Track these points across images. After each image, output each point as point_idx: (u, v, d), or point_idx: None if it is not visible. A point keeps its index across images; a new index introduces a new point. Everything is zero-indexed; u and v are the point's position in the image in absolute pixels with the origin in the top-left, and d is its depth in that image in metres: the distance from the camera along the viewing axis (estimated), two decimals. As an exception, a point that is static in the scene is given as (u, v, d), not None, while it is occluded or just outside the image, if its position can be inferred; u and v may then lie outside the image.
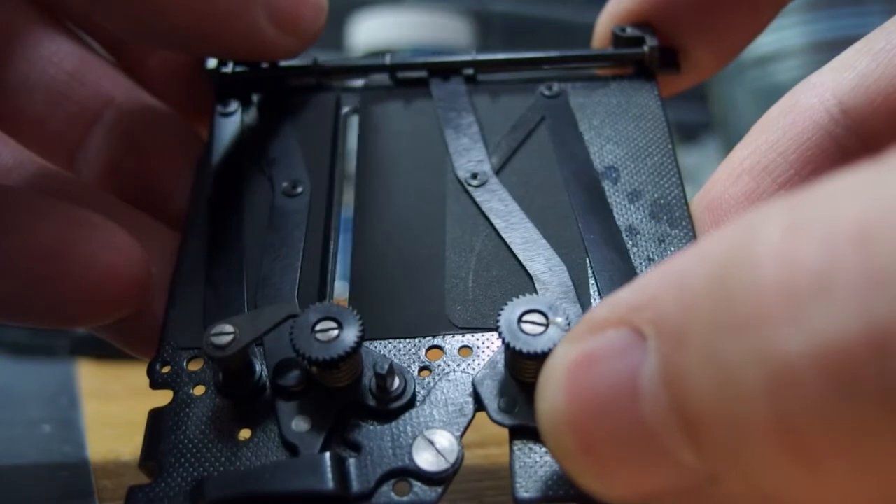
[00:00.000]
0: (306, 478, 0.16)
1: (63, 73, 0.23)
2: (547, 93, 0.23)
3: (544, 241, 0.20)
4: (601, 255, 0.20)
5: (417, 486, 0.16)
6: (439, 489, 0.16)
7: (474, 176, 0.21)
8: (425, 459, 0.16)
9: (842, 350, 0.10)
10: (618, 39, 0.24)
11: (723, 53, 0.24)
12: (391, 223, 0.21)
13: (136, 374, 0.18)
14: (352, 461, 0.16)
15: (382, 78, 0.24)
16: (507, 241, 0.20)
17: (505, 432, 0.17)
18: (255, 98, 0.24)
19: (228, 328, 0.17)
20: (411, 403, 0.17)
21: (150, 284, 0.19)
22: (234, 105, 0.23)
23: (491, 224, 0.20)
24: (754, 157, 0.21)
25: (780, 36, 0.44)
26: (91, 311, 0.19)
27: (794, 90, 0.21)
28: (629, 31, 0.24)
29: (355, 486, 0.16)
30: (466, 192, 0.21)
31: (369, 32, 0.60)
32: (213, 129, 0.23)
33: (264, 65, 0.24)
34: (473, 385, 0.17)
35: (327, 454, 0.16)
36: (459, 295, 0.19)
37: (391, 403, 0.17)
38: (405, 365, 0.18)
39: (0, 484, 0.23)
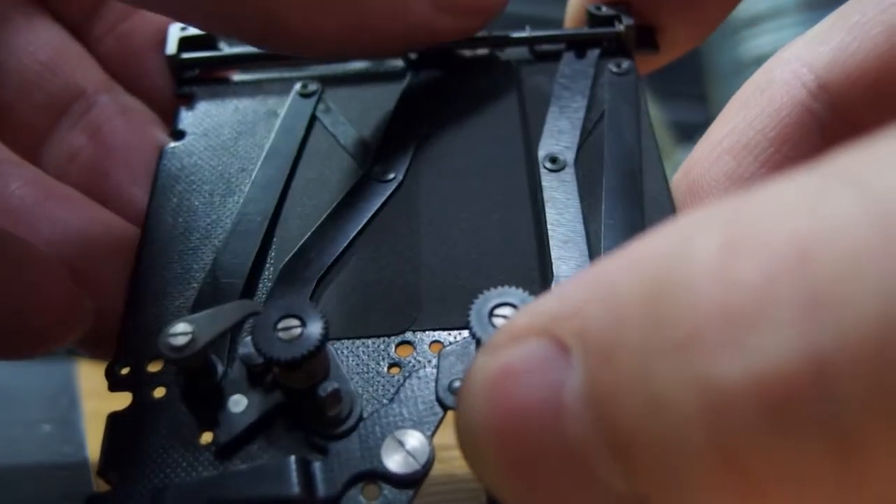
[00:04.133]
0: (271, 484, 0.15)
1: (36, 63, 0.23)
2: (616, 70, 0.23)
3: (585, 247, 0.19)
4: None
5: (387, 490, 0.15)
6: (409, 492, 0.15)
7: (553, 160, 0.21)
8: (395, 461, 0.16)
9: (780, 379, 0.09)
10: (593, 18, 0.23)
11: (700, 28, 0.24)
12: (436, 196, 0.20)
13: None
14: (318, 465, 0.16)
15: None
16: (550, 233, 0.19)
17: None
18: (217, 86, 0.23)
19: (186, 328, 0.16)
20: (348, 433, 0.16)
21: (82, 318, 0.18)
22: (313, 87, 0.23)
23: (543, 212, 0.20)
24: (733, 136, 0.20)
25: (779, 36, 0.44)
26: (13, 347, 0.18)
27: (767, 65, 0.21)
28: (604, 9, 0.23)
29: (321, 490, 0.15)
30: (535, 172, 0.20)
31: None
32: (175, 118, 0.23)
33: (226, 50, 0.24)
34: (438, 357, 0.17)
35: (292, 458, 0.15)
36: (436, 291, 0.19)
37: (330, 429, 0.16)
38: (372, 363, 0.17)
39: (0, 484, 0.23)
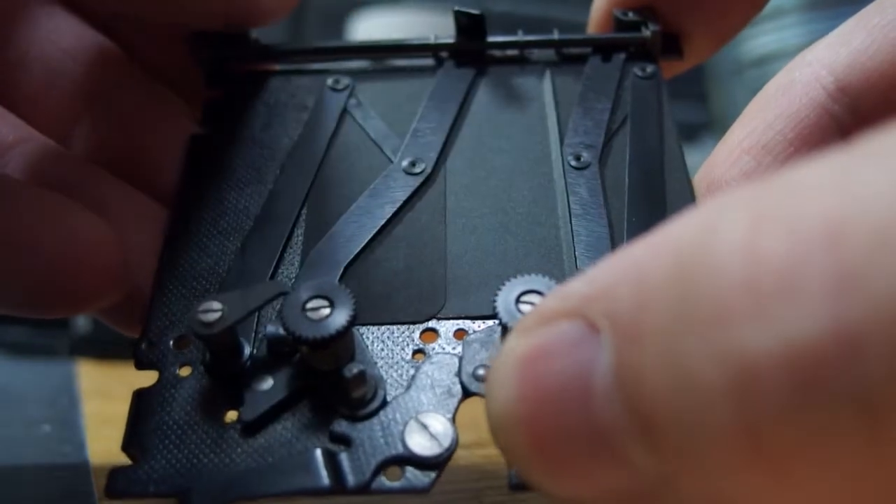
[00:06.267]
0: (299, 477, 0.15)
1: (59, 51, 0.23)
2: (640, 73, 0.23)
3: (608, 242, 0.19)
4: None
5: (409, 472, 0.16)
6: (433, 474, 0.15)
7: (578, 158, 0.21)
8: (419, 444, 0.16)
9: (809, 351, 0.09)
10: (619, 23, 0.24)
11: (719, 37, 0.24)
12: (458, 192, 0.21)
13: (136, 374, 0.18)
14: (343, 455, 0.16)
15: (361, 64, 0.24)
16: (574, 230, 0.19)
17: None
18: (248, 79, 0.24)
19: (216, 305, 0.16)
20: (372, 414, 0.16)
21: (122, 273, 0.19)
22: (345, 81, 0.23)
23: (568, 208, 0.20)
24: (753, 137, 0.21)
25: (779, 36, 0.44)
26: (62, 302, 0.18)
27: (789, 67, 0.21)
28: (631, 15, 0.24)
29: (350, 479, 0.15)
30: (560, 170, 0.21)
31: (369, 32, 0.60)
32: (205, 108, 0.23)
33: (255, 38, 0.24)
34: (463, 344, 0.17)
35: (318, 450, 0.16)
36: (462, 281, 0.19)
37: (356, 410, 0.16)
38: (397, 349, 0.18)
39: (0, 484, 0.23)
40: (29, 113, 0.23)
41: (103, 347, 0.35)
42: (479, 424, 0.17)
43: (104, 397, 0.31)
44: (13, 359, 0.36)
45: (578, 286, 0.12)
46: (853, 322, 0.09)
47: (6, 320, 0.36)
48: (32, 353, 0.36)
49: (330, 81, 0.23)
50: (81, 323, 0.35)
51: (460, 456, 0.17)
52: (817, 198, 0.10)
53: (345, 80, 0.24)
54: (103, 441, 0.26)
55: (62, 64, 0.23)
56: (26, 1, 0.23)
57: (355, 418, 0.16)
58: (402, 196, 0.21)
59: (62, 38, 0.23)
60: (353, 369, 0.16)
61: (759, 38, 0.45)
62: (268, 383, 0.17)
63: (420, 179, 0.21)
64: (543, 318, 0.12)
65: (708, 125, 0.52)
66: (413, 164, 0.21)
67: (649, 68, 0.23)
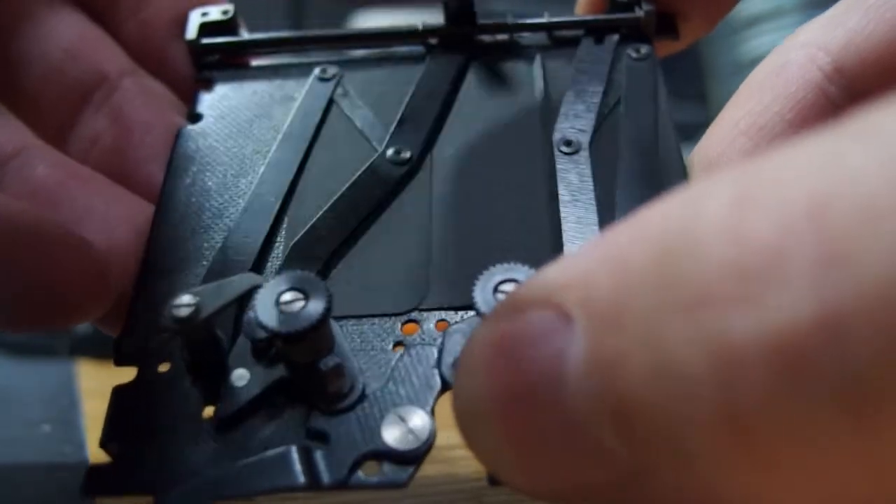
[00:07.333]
0: (275, 476, 0.15)
1: (59, 50, 0.23)
2: (634, 55, 0.23)
3: (597, 229, 0.19)
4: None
5: (387, 466, 0.15)
6: (410, 469, 0.15)
7: (568, 143, 0.21)
8: (396, 438, 0.15)
9: (794, 337, 0.09)
10: (613, 4, 0.24)
11: (713, 15, 0.24)
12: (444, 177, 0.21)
13: (136, 374, 0.18)
14: (319, 452, 0.15)
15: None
16: (563, 215, 0.19)
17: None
18: (236, 70, 0.24)
19: (190, 299, 0.16)
20: (350, 408, 0.16)
21: (104, 290, 0.19)
22: (332, 70, 0.23)
23: (556, 194, 0.20)
24: (749, 118, 0.20)
25: (779, 36, 0.44)
26: (44, 319, 0.18)
27: (782, 47, 0.21)
28: None
29: (326, 477, 0.15)
30: (550, 155, 0.20)
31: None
32: (193, 102, 0.23)
33: (246, 36, 0.24)
34: (444, 335, 0.17)
35: (294, 448, 0.15)
36: (446, 270, 0.19)
37: (331, 404, 0.16)
38: (377, 340, 0.17)
39: (0, 484, 0.23)
40: (29, 112, 0.23)
41: (103, 347, 0.34)
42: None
43: (104, 397, 0.31)
44: (13, 359, 0.36)
45: (552, 274, 0.12)
46: (837, 305, 0.09)
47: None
48: (32, 353, 0.36)
49: (317, 71, 0.23)
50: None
51: (460, 456, 0.16)
52: (803, 177, 0.10)
53: (332, 70, 0.23)
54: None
55: (61, 63, 0.23)
56: (26, 1, 0.23)
57: (332, 412, 0.16)
58: (386, 186, 0.20)
59: (62, 36, 0.23)
60: (330, 362, 0.16)
61: (759, 38, 0.45)
62: (245, 378, 0.16)
63: (405, 168, 0.21)
64: (515, 307, 0.12)
65: (707, 125, 0.52)
66: (398, 152, 0.21)
67: (643, 49, 0.23)
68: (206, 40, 0.24)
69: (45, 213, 0.19)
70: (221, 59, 0.24)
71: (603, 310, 0.11)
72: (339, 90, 0.23)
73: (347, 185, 0.20)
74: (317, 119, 0.22)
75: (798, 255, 0.09)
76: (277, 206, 0.20)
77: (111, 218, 0.20)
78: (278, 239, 0.20)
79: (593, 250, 0.12)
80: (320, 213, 0.20)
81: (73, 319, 0.19)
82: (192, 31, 0.24)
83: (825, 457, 0.09)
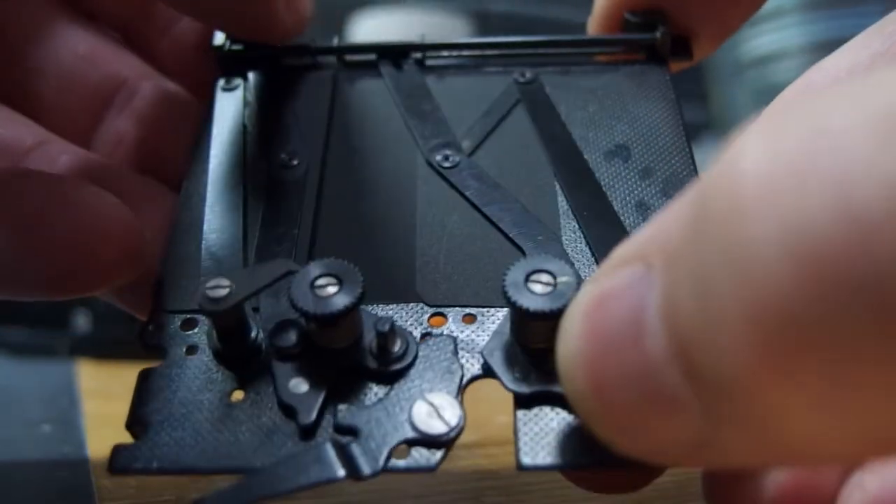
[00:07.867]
0: (314, 470, 0.15)
1: (75, 58, 0.23)
2: (521, 79, 0.23)
3: (531, 214, 0.20)
4: (598, 230, 0.19)
5: (416, 451, 0.16)
6: (439, 454, 0.15)
7: (446, 158, 0.21)
8: (427, 424, 0.16)
9: (819, 244, 0.09)
10: (629, 25, 0.24)
11: (721, 34, 0.24)
12: (359, 203, 0.21)
13: (136, 374, 0.18)
14: (354, 445, 0.16)
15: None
16: (490, 216, 0.20)
17: (505, 433, 0.17)
18: (254, 76, 0.24)
19: (225, 282, 0.16)
20: (412, 365, 0.17)
21: (142, 250, 0.19)
22: (236, 81, 0.24)
23: (469, 201, 0.20)
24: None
25: (779, 36, 0.44)
26: (80, 279, 0.19)
27: (807, 73, 0.21)
28: (640, 16, 0.24)
29: (366, 469, 0.15)
30: (440, 174, 0.21)
31: (369, 32, 0.60)
32: (215, 103, 0.23)
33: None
34: (483, 357, 0.17)
35: (328, 443, 0.16)
36: (430, 273, 0.19)
37: (392, 365, 0.17)
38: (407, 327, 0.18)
39: (0, 484, 0.23)
40: (50, 120, 0.23)
41: (103, 347, 0.35)
42: (480, 424, 0.17)
43: (104, 397, 0.31)
44: (13, 359, 0.36)
45: (643, 231, 0.12)
46: (862, 208, 0.09)
47: (6, 320, 0.36)
48: (32, 353, 0.36)
49: (222, 82, 0.24)
50: (81, 323, 0.35)
51: (460, 456, 0.17)
52: (837, 108, 0.10)
53: (236, 80, 0.24)
54: (103, 441, 0.26)
55: (79, 70, 0.23)
56: (42, 9, 0.23)
57: (388, 375, 0.16)
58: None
59: (78, 44, 0.23)
60: (384, 325, 0.16)
61: (759, 39, 0.45)
62: (303, 385, 0.16)
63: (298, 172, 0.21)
64: (612, 265, 0.13)
65: (708, 125, 0.52)
66: (445, 155, 0.21)
67: (528, 73, 0.23)
68: (232, 46, 0.24)
69: (72, 177, 0.19)
70: (241, 63, 0.24)
71: (670, 258, 0.11)
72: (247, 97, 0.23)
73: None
74: (229, 127, 0.23)
75: (825, 163, 0.09)
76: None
77: (138, 200, 0.20)
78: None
79: (672, 206, 0.12)
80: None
81: (111, 275, 0.19)
82: (219, 38, 0.24)
83: (857, 380, 0.09)
